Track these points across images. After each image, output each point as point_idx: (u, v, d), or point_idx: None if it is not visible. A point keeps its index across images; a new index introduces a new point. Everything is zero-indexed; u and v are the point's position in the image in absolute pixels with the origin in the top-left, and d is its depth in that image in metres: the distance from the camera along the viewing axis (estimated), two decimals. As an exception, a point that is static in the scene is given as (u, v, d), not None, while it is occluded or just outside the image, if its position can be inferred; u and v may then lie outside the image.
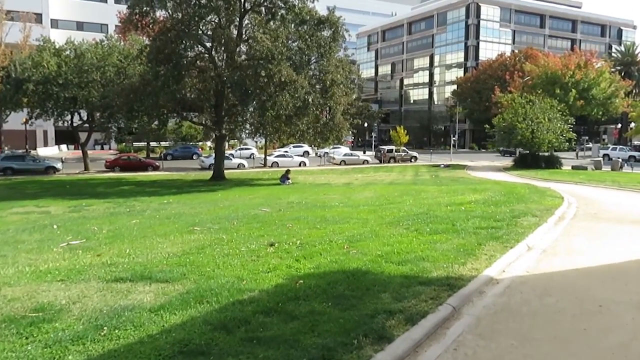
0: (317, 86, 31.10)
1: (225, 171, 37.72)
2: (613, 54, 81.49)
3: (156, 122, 32.54)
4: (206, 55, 31.52)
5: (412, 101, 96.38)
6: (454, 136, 64.05)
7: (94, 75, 37.17)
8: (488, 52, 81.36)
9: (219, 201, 19.79)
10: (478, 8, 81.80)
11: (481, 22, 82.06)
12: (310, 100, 28.67)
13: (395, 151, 53.59)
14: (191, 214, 15.42)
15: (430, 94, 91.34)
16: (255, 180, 34.05)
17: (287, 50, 28.14)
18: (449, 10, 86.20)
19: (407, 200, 15.19)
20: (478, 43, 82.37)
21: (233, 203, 18.64)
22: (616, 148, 54.96)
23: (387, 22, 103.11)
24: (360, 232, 9.19)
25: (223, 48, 30.80)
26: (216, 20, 30.55)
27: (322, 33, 29.83)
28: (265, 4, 29.20)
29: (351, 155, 53.67)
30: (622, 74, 68.55)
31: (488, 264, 6.50)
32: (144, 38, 36.88)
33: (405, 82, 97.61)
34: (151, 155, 54.60)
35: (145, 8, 29.89)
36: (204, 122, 35.94)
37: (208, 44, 31.69)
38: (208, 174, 35.05)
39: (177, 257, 7.92)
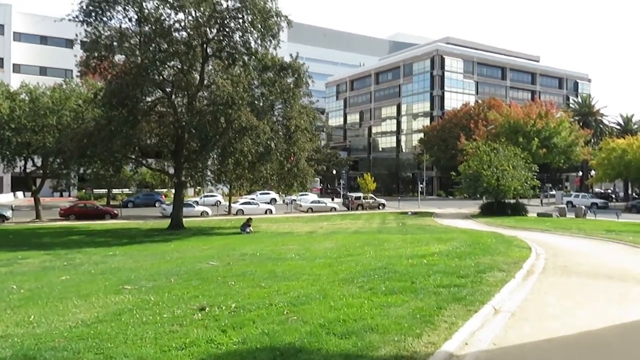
0: (280, 132, 30.46)
1: (188, 219, 36.17)
2: (571, 105, 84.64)
3: (111, 169, 31.02)
4: (166, 100, 30.64)
5: (380, 149, 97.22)
6: (421, 183, 64.17)
7: (50, 120, 35.70)
8: (453, 101, 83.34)
9: (169, 253, 18.34)
10: (442, 60, 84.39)
11: (446, 73, 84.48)
12: (272, 145, 27.90)
13: (363, 198, 52.97)
14: (131, 268, 13.99)
15: (398, 141, 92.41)
16: (216, 229, 32.56)
17: (248, 95, 27.54)
18: (415, 62, 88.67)
19: (368, 251, 14.15)
20: (443, 93, 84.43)
21: (182, 255, 17.24)
22: (579, 195, 55.83)
23: (355, 72, 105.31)
24: (307, 292, 8.05)
25: (183, 93, 30.03)
26: (178, 66, 29.93)
27: (286, 79, 29.46)
28: (227, 49, 28.76)
29: (319, 202, 52.74)
30: (581, 123, 70.85)
31: (448, 335, 5.44)
32: (102, 82, 35.94)
33: (374, 130, 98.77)
34: (111, 203, 52.46)
35: (103, 52, 29.07)
36: (163, 169, 34.58)
37: (169, 89, 30.92)
38: (167, 223, 33.39)
39: (84, 327, 6.62)
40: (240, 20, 28.94)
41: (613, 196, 66.99)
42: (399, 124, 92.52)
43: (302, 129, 29.78)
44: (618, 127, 77.63)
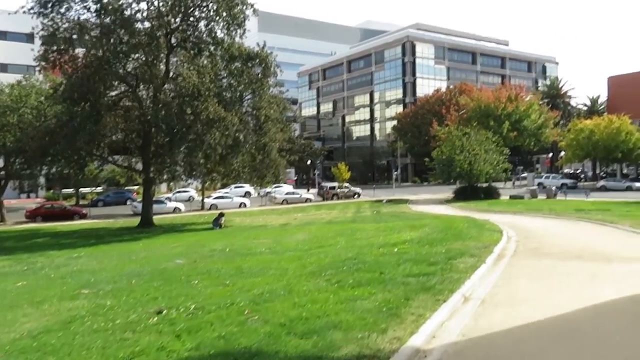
0: (250, 123, 29.87)
1: (160, 216, 35.39)
2: (540, 88, 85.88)
3: (75, 167, 29.95)
4: (130, 93, 29.67)
5: (354, 137, 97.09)
6: (396, 171, 64.28)
7: (10, 118, 34.28)
8: (425, 88, 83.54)
9: (135, 252, 17.72)
10: (413, 46, 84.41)
11: (417, 59, 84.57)
12: (241, 137, 27.31)
13: (338, 188, 52.76)
14: (93, 270, 13.39)
15: (372, 130, 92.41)
16: (188, 225, 31.87)
17: (215, 86, 26.83)
18: (386, 49, 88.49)
19: (339, 242, 13.86)
20: (415, 80, 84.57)
21: (149, 254, 16.66)
22: (549, 176, 56.71)
23: (327, 61, 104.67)
24: (272, 289, 7.69)
25: (148, 86, 29.12)
26: (143, 57, 28.97)
27: (254, 69, 28.80)
28: (192, 39, 27.93)
29: (293, 194, 52.32)
30: (550, 106, 71.90)
31: (414, 329, 5.15)
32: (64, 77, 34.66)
33: (347, 119, 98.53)
34: (81, 202, 51.02)
35: (62, 46, 27.91)
36: (130, 165, 33.62)
37: (133, 82, 29.93)
38: (138, 221, 32.54)
39: (29, 339, 6.12)
40: (205, 9, 28.14)
41: (582, 176, 68.34)
42: (372, 112, 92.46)
43: (272, 120, 29.24)
44: (585, 108, 79.14)
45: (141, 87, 30.12)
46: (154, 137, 29.06)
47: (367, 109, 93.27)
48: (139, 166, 32.85)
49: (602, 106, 74.61)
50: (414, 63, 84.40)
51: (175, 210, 44.12)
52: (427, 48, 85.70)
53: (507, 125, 56.43)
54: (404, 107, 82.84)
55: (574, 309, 6.21)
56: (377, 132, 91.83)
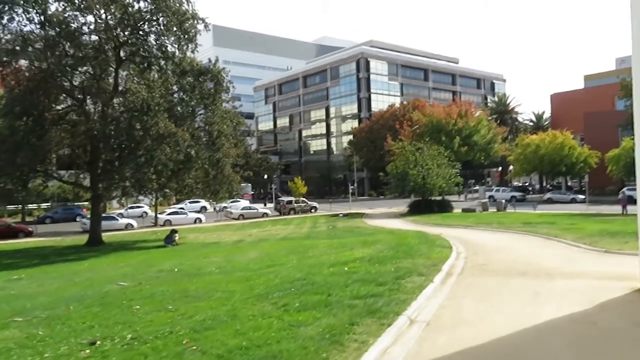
0: (203, 139, 29.38)
1: (110, 233, 34.16)
2: (489, 104, 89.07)
3: (17, 183, 28.51)
4: (77, 107, 28.63)
5: (311, 152, 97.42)
6: (352, 185, 64.78)
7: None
8: (379, 103, 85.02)
9: (80, 274, 16.91)
10: (367, 63, 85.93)
11: (371, 75, 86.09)
12: (193, 153, 26.78)
13: (295, 202, 52.58)
14: (32, 294, 12.63)
15: (329, 144, 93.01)
16: (139, 243, 30.82)
17: (165, 101, 26.26)
18: (341, 65, 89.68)
19: (291, 260, 13.67)
20: (370, 95, 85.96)
21: (94, 275, 15.93)
22: (499, 189, 58.60)
23: (283, 76, 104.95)
24: (216, 314, 7.42)
25: (96, 100, 28.21)
26: (90, 71, 28.08)
27: (206, 84, 28.43)
28: (141, 53, 27.30)
29: (250, 209, 51.69)
30: (498, 121, 74.59)
31: (356, 358, 5.04)
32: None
33: (304, 133, 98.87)
34: (27, 219, 48.63)
35: (5, 58, 26.71)
36: (77, 181, 32.32)
37: (80, 96, 28.92)
38: (86, 238, 31.21)
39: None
40: (155, 23, 27.60)
41: (530, 189, 71.02)
42: (328, 126, 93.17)
43: (225, 135, 28.87)
44: (531, 124, 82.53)
45: (88, 101, 29.16)
46: (102, 152, 28.09)
47: (324, 124, 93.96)
48: (88, 182, 31.68)
49: (547, 122, 78.04)
50: (368, 79, 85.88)
51: (127, 226, 42.71)
52: (381, 65, 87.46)
53: (458, 140, 58.05)
54: (360, 122, 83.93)
55: (516, 330, 6.27)
56: (333, 146, 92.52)
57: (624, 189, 38.61)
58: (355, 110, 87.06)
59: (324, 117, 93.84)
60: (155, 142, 25.49)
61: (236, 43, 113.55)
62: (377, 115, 78.78)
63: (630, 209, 29.65)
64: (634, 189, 39.17)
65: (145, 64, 27.00)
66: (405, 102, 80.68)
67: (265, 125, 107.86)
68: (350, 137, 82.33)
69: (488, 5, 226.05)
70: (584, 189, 47.19)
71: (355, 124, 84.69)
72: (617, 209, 32.27)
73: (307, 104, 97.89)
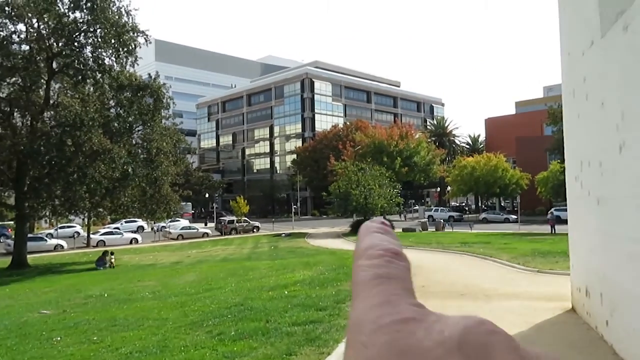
0: (140, 156, 28.27)
1: (38, 255, 31.99)
2: (428, 127, 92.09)
3: None
4: (3, 120, 26.82)
5: (255, 170, 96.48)
6: (295, 204, 64.54)
7: None
8: (323, 123, 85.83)
9: (-2, 300, 15.55)
10: (312, 83, 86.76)
11: (315, 96, 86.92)
12: (130, 170, 25.65)
13: (237, 222, 51.58)
14: (-62, 326, 11.41)
15: (272, 163, 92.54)
16: (69, 265, 28.99)
17: (100, 116, 25.07)
18: (286, 84, 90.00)
19: (230, 283, 13.20)
20: (314, 115, 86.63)
21: (14, 302, 14.68)
22: (438, 209, 60.33)
23: (227, 94, 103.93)
24: (145, 345, 6.91)
25: (24, 113, 26.56)
26: (20, 82, 26.46)
27: (145, 99, 27.48)
28: (75, 65, 26.05)
29: (189, 228, 50.15)
30: (437, 143, 77.20)
31: (294, 391, 4.77)
32: None
33: (247, 152, 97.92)
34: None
35: None
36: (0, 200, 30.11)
37: (7, 108, 27.13)
38: (9, 261, 29.00)
39: None
40: (91, 35, 26.51)
41: (466, 209, 73.59)
42: (272, 145, 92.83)
43: (164, 152, 27.92)
44: (467, 147, 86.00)
45: (16, 114, 27.42)
46: (30, 169, 26.35)
47: (267, 142, 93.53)
48: (13, 200, 29.59)
49: (482, 145, 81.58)
50: (312, 99, 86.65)
51: (57, 247, 40.20)
52: (325, 85, 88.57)
53: (399, 161, 59.42)
54: (303, 141, 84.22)
55: None
56: (277, 165, 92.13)
57: (552, 210, 40.74)
58: (299, 130, 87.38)
59: (268, 136, 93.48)
60: (88, 158, 24.22)
61: (180, 59, 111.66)
62: (321, 135, 79.40)
63: (558, 228, 31.21)
64: (561, 210, 41.55)
65: (80, 77, 25.75)
66: (348, 123, 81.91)
67: (208, 143, 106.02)
68: (294, 156, 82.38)
69: (428, 32, 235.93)
70: (516, 209, 49.46)
71: (299, 143, 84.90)
72: (546, 228, 33.89)
73: (251, 122, 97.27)
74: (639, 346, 5.34)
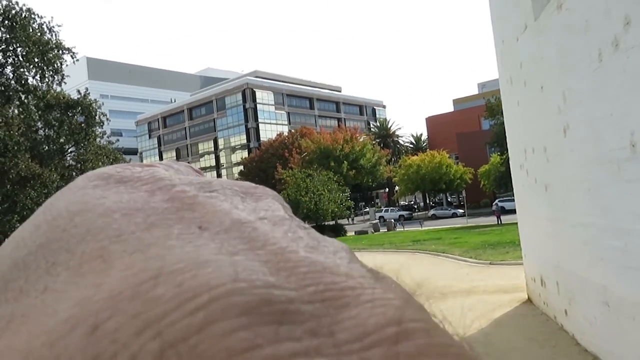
0: (74, 178, 26.70)
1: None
2: (372, 129, 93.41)
3: None
4: None
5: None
6: (245, 216, 63.35)
7: None
8: (268, 132, 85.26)
9: None
10: (253, 93, 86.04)
11: (258, 105, 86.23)
12: (64, 195, 24.12)
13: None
14: None
15: (219, 175, 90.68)
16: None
17: (27, 139, 23.48)
18: (227, 96, 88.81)
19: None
20: (258, 125, 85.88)
21: None
22: (388, 210, 61.05)
23: (167, 109, 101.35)
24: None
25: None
26: None
27: (75, 118, 26.03)
28: (-4, 86, 24.32)
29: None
30: (382, 145, 78.38)
31: None
32: None
33: (193, 166, 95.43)
34: None
35: None
36: None
37: None
38: None
39: None
40: (11, 54, 24.84)
41: (415, 207, 74.98)
42: (217, 158, 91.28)
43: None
44: (411, 146, 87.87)
45: None
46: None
47: (213, 156, 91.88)
48: None
49: (425, 143, 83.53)
50: (255, 109, 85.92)
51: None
52: (266, 94, 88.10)
53: (345, 165, 59.71)
54: (249, 152, 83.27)
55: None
56: (224, 178, 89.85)
57: (497, 201, 42.03)
58: (244, 141, 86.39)
59: (213, 149, 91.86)
60: (17, 185, 22.57)
61: (114, 76, 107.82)
62: (267, 144, 78.74)
63: (503, 218, 32.12)
64: (505, 200, 42.88)
65: (3, 99, 24.03)
66: (293, 130, 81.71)
67: (151, 160, 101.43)
68: (241, 167, 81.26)
69: (365, 36, 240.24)
70: (462, 203, 50.75)
71: (245, 154, 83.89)
72: (492, 219, 34.82)
73: (194, 136, 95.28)
74: (600, 335, 5.19)
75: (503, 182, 42.97)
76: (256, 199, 0.28)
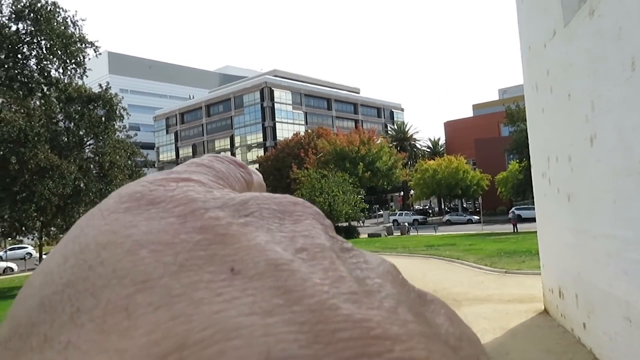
0: (93, 170, 27.08)
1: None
2: (389, 132, 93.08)
3: None
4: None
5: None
6: (259, 214, 63.56)
7: None
8: (284, 132, 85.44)
9: None
10: (271, 92, 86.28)
11: (275, 104, 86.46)
12: (82, 186, 24.45)
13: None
14: None
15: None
16: (17, 290, 27.31)
17: (47, 131, 23.83)
18: (245, 94, 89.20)
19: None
20: (274, 124, 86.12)
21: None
22: (402, 213, 60.75)
23: (185, 105, 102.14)
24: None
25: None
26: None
27: (96, 112, 26.36)
28: (20, 78, 24.70)
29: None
30: (398, 148, 78.03)
31: None
32: None
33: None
34: None
35: None
36: None
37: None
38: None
39: None
40: (35, 46, 25.23)
41: (430, 211, 74.51)
42: (233, 155, 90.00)
43: (118, 166, 26.79)
44: (428, 150, 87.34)
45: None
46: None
47: (229, 153, 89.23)
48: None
49: (442, 148, 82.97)
50: (272, 108, 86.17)
51: (7, 270, 38.12)
52: (284, 94, 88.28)
53: (361, 167, 59.55)
54: (265, 150, 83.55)
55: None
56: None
57: (513, 209, 41.52)
58: (261, 139, 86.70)
59: (229, 147, 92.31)
60: (35, 175, 22.92)
61: (135, 71, 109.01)
62: (283, 143, 78.92)
63: (520, 226, 31.71)
64: (522, 208, 42.33)
65: (26, 91, 24.43)
66: (309, 131, 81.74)
67: (167, 155, 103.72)
68: (256, 165, 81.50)
69: (386, 38, 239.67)
70: (478, 210, 50.23)
71: (260, 152, 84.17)
72: (508, 227, 34.37)
73: (211, 133, 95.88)
74: (620, 350, 5.05)
75: (521, 190, 42.45)
76: (295, 220, 0.26)
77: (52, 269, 0.24)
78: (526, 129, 9.18)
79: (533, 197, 9.19)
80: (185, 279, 0.20)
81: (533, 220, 9.37)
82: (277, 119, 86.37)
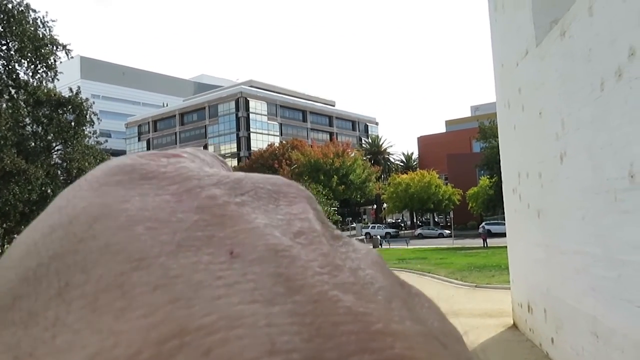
0: (60, 177, 26.35)
1: None
2: (363, 145, 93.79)
3: None
4: None
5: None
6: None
7: None
8: (259, 142, 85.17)
9: None
10: (247, 102, 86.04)
11: (250, 115, 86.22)
12: (49, 192, 23.77)
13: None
14: None
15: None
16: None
17: (14, 134, 23.13)
18: (220, 103, 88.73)
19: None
20: (249, 134, 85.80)
21: None
22: (375, 226, 61.02)
23: (158, 112, 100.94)
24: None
25: None
26: None
27: (65, 116, 25.74)
28: (-15, 80, 23.97)
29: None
30: (372, 161, 78.66)
31: None
32: None
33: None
34: None
35: None
36: None
37: None
38: None
39: None
40: (4, 47, 24.56)
41: (402, 225, 75.07)
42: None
43: (86, 173, 26.13)
44: (402, 164, 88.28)
45: None
46: None
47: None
48: None
49: (415, 162, 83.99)
50: (247, 118, 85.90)
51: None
52: (260, 104, 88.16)
53: (335, 179, 59.77)
54: (239, 160, 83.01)
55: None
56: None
57: (483, 224, 42.21)
58: (235, 149, 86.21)
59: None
60: (0, 180, 22.16)
61: (107, 77, 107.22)
62: (257, 154, 78.60)
63: (489, 241, 32.22)
64: (492, 223, 43.04)
65: (-6, 93, 23.70)
66: (284, 142, 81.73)
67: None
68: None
69: (362, 52, 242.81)
70: (449, 224, 50.89)
71: (234, 162, 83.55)
72: (478, 242, 34.88)
73: (185, 141, 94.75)
74: (588, 365, 5.11)
75: (491, 205, 43.26)
76: (289, 202, 0.26)
77: (36, 239, 0.22)
78: (497, 146, 9.37)
79: (503, 212, 9.36)
80: (184, 260, 0.19)
81: (503, 235, 9.52)
82: (251, 130, 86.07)
